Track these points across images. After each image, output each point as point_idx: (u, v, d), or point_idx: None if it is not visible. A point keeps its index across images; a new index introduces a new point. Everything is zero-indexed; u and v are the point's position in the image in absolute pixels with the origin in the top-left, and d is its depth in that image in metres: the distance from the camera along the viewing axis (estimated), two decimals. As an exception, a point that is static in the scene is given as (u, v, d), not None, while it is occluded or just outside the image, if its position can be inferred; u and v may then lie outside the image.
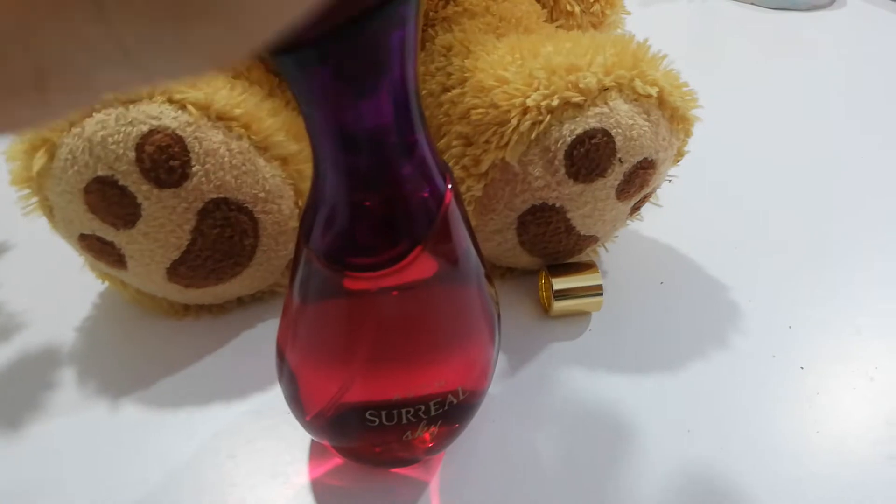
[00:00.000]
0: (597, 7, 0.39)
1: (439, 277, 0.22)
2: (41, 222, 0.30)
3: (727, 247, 0.40)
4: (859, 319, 0.35)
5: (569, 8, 0.38)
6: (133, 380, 0.31)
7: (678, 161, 0.35)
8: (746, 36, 0.63)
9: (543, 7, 0.38)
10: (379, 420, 0.23)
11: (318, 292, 0.22)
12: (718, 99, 0.33)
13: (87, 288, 0.35)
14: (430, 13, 0.36)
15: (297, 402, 0.25)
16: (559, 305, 0.34)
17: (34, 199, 0.29)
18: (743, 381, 0.32)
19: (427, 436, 0.25)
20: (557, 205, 0.31)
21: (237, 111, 0.29)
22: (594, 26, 0.40)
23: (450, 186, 0.21)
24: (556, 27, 0.36)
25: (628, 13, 0.42)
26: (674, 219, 0.41)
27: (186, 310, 0.33)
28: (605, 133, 0.30)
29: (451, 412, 0.24)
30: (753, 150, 0.49)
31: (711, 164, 0.45)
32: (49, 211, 0.29)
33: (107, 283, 0.33)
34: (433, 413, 0.24)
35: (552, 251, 0.34)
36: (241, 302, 0.34)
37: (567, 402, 0.31)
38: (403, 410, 0.23)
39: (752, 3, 0.61)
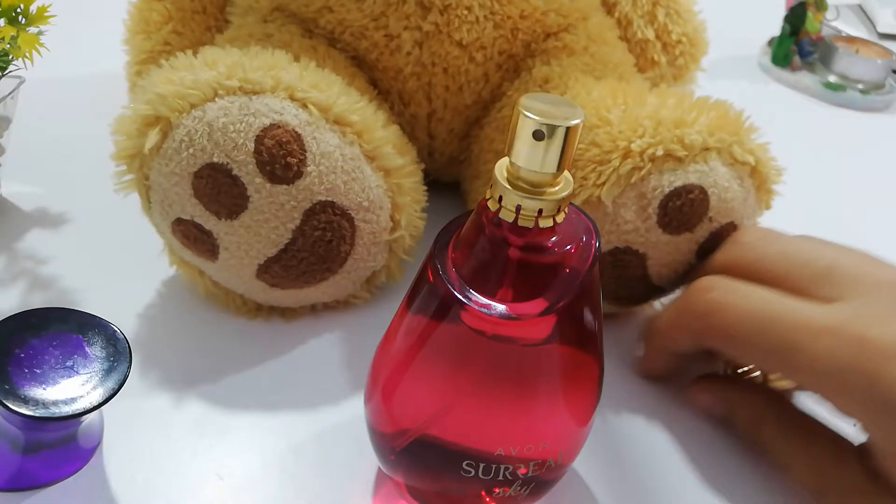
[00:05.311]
0: (681, 60, 0.40)
1: (563, 337, 0.22)
2: (104, 198, 0.29)
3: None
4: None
5: (655, 58, 0.39)
6: (194, 374, 0.30)
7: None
8: (799, 124, 0.58)
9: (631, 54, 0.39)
10: (475, 471, 0.23)
11: (436, 316, 0.22)
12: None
13: (149, 274, 0.33)
14: (532, 45, 0.36)
15: (383, 427, 0.24)
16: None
17: (129, 176, 0.28)
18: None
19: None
20: (641, 251, 0.32)
21: (354, 118, 0.29)
22: (675, 78, 0.41)
23: (596, 245, 0.21)
24: (645, 78, 0.37)
25: (703, 70, 0.44)
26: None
27: (258, 309, 0.32)
28: (703, 190, 0.30)
29: (543, 478, 0.24)
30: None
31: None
32: (145, 190, 0.28)
33: (174, 268, 0.31)
34: (530, 474, 0.23)
35: (621, 296, 0.34)
36: (313, 308, 0.33)
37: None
38: (503, 467, 0.23)
39: (811, 97, 0.61)
